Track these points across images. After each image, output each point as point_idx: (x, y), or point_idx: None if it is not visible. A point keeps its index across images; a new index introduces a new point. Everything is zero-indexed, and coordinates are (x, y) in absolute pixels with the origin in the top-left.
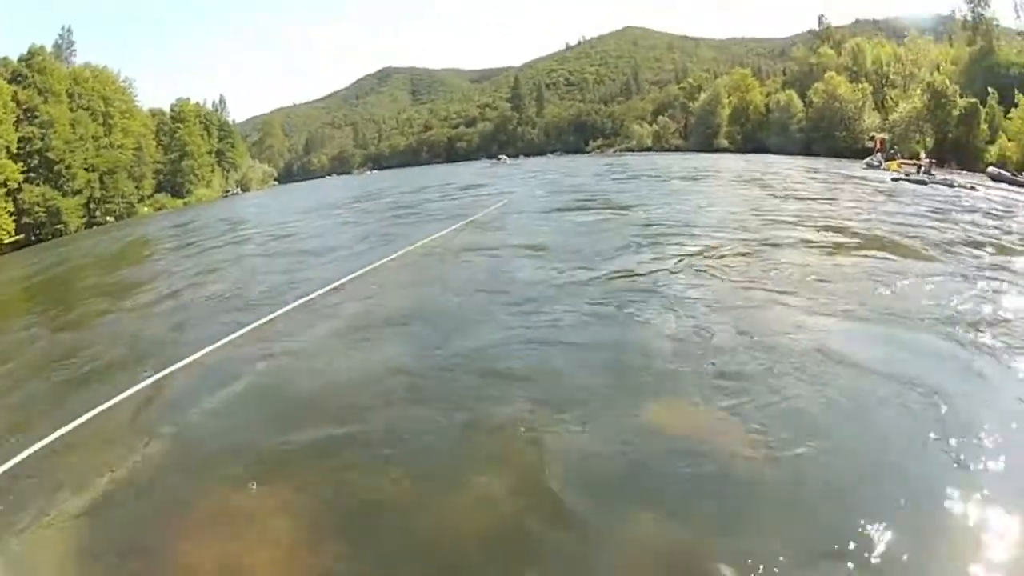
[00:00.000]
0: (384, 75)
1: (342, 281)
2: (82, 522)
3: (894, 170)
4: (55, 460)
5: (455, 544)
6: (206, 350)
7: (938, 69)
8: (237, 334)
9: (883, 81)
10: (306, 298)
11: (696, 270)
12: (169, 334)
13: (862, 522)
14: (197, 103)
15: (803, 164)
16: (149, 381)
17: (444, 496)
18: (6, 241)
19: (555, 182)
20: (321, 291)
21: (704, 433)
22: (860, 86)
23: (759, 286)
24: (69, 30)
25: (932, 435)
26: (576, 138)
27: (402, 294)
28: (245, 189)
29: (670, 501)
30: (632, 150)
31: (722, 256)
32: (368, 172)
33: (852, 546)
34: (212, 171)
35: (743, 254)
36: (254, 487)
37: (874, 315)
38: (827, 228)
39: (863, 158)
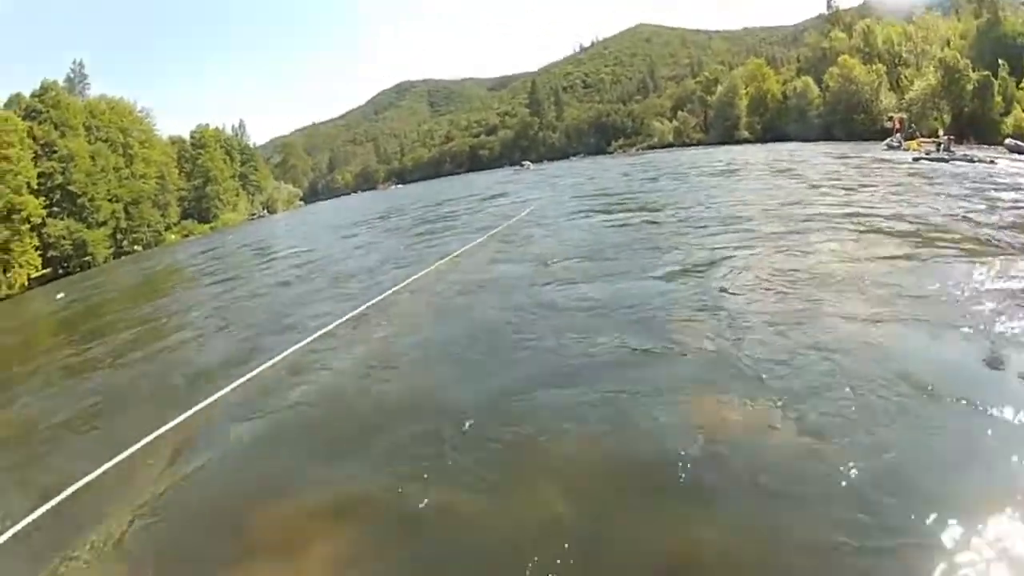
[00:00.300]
0: (401, 89)
1: (364, 308)
2: (134, 548)
3: (914, 149)
4: (104, 490)
5: (507, 555)
6: (243, 379)
7: (948, 44)
8: (268, 364)
9: (896, 61)
10: (331, 327)
11: (739, 274)
12: (205, 363)
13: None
14: (217, 128)
15: (826, 150)
16: (190, 412)
17: (495, 506)
18: (33, 275)
19: (580, 185)
20: (346, 318)
21: (760, 433)
22: (874, 67)
23: (806, 286)
24: (81, 64)
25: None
26: (597, 139)
27: (427, 319)
28: (272, 211)
29: (726, 502)
30: (654, 147)
31: (762, 254)
32: (393, 187)
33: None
34: (237, 195)
35: (785, 250)
36: (304, 508)
37: (927, 311)
38: (864, 218)
39: (882, 139)
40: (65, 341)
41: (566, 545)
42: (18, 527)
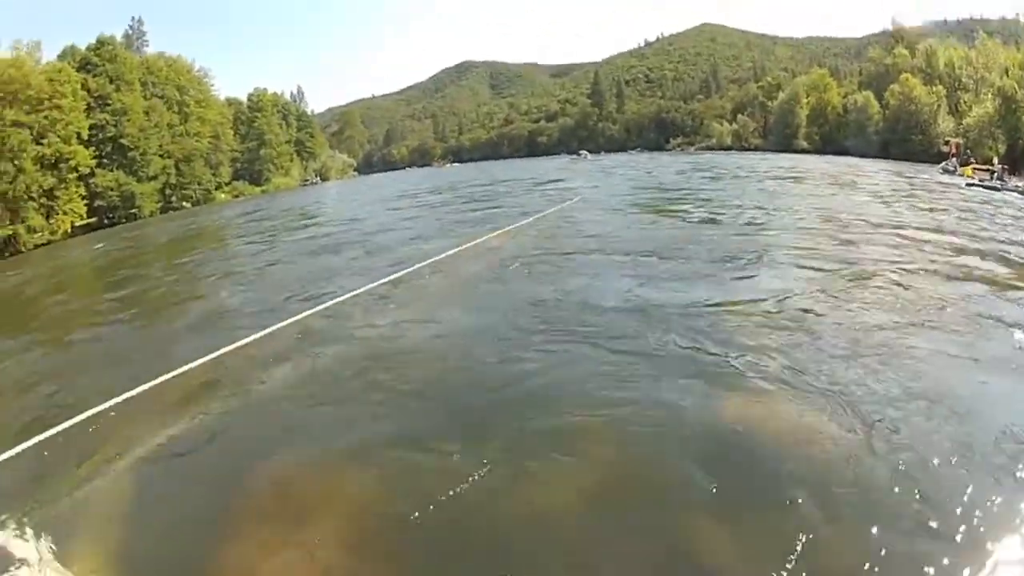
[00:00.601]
0: (463, 68)
1: (396, 275)
2: (135, 481)
3: (968, 176)
4: (121, 420)
5: (520, 544)
6: (263, 332)
7: (1007, 73)
8: (298, 317)
9: (956, 85)
10: (361, 290)
11: (795, 282)
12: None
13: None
14: (275, 93)
15: (884, 167)
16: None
17: (514, 490)
18: (78, 224)
19: (639, 178)
20: (384, 280)
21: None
22: (934, 89)
23: (862, 303)
24: (140, 21)
25: None
26: (656, 135)
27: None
28: (324, 178)
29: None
30: (712, 148)
31: (822, 267)
32: (448, 165)
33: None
34: (291, 160)
35: (846, 265)
36: (315, 466)
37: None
38: (927, 241)
39: (938, 162)
40: (90, 288)
41: (571, 535)
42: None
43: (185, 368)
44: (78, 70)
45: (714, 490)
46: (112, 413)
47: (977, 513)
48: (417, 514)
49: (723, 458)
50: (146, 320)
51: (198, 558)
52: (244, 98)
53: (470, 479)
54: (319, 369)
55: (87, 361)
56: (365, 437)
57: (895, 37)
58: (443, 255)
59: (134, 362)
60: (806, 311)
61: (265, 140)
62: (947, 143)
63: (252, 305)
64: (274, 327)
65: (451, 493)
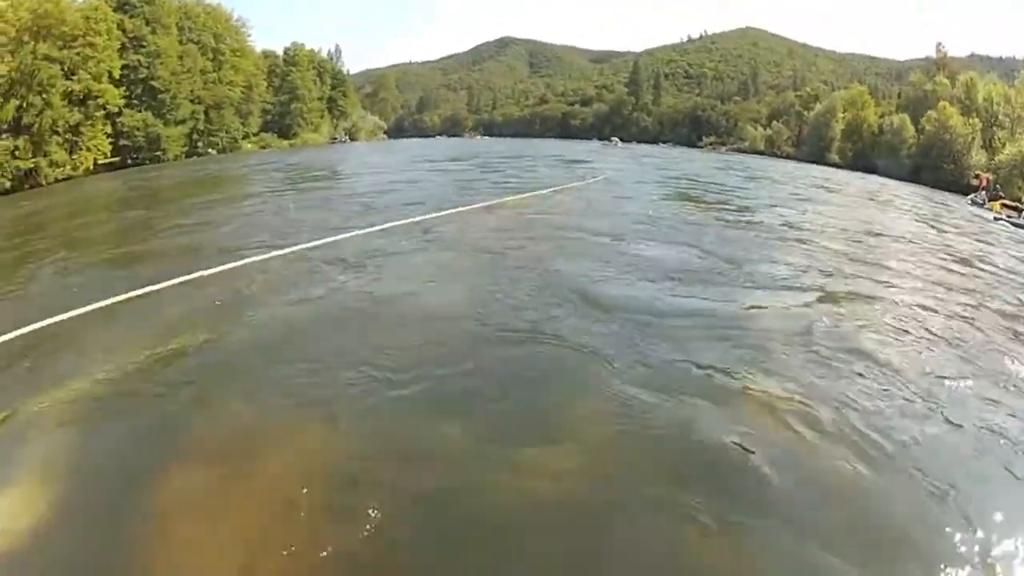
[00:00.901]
0: (503, 44)
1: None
2: (105, 393)
3: (996, 211)
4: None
5: (508, 528)
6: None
7: None
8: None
9: (992, 120)
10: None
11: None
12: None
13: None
14: (311, 49)
15: (916, 191)
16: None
17: (510, 468)
18: (101, 162)
19: (665, 169)
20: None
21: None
22: (971, 121)
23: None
24: None
25: None
26: (689, 131)
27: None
28: (353, 138)
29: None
30: (744, 151)
31: (855, 281)
32: (479, 137)
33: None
34: (321, 117)
35: (876, 281)
36: (286, 411)
37: None
38: (957, 262)
39: (966, 194)
40: (86, 221)
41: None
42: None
43: (158, 287)
44: (115, 10)
45: (718, 494)
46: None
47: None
48: (383, 481)
49: (728, 463)
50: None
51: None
52: (280, 52)
53: (452, 457)
54: (298, 316)
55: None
56: (336, 393)
57: (937, 65)
58: (443, 213)
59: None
60: (833, 319)
61: (297, 95)
62: (977, 176)
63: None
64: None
65: (431, 470)
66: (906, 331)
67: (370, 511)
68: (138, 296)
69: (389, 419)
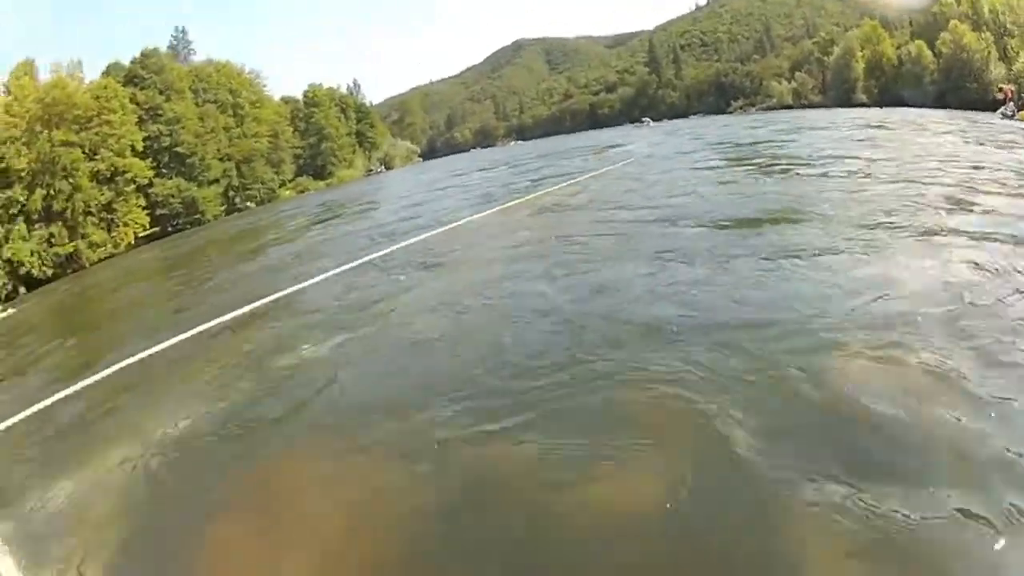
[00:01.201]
0: (518, 47)
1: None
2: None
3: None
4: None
5: (581, 542)
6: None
7: None
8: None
9: (1002, 31)
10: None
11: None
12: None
13: None
14: (330, 88)
15: (948, 116)
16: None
17: (577, 476)
18: (141, 234)
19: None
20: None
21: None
22: (983, 35)
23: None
24: (183, 31)
25: None
26: (717, 99)
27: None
28: (389, 167)
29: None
30: (773, 108)
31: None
32: (512, 143)
33: None
34: (353, 152)
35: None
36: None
37: None
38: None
39: (994, 109)
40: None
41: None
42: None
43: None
44: (124, 85)
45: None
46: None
47: None
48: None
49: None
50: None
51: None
52: (300, 96)
53: (520, 466)
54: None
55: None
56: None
57: None
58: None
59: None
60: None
61: (325, 134)
62: (1000, 90)
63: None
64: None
65: (493, 480)
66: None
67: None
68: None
69: (455, 450)
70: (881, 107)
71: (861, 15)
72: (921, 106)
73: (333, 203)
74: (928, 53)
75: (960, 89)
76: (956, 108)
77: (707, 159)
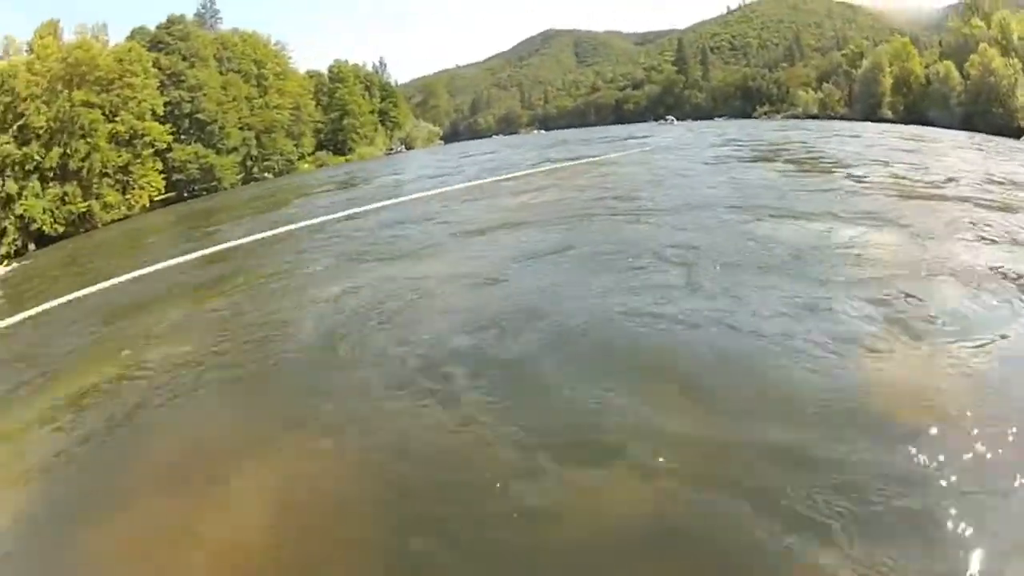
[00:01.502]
0: (547, 37)
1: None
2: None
3: None
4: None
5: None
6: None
7: None
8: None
9: None
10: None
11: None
12: None
13: None
14: (356, 64)
15: (973, 139)
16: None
17: (588, 470)
18: (156, 198)
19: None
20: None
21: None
22: (1010, 61)
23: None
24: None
25: None
26: (743, 103)
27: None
28: (409, 147)
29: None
30: (797, 116)
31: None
32: (535, 132)
33: None
34: (375, 130)
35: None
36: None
37: None
38: None
39: (1018, 136)
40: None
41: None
42: None
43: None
44: (149, 49)
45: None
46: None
47: None
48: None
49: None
50: None
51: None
52: (325, 71)
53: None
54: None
55: None
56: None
57: (971, 8)
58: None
59: None
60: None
61: (348, 111)
62: None
63: None
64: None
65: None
66: None
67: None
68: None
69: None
70: (906, 124)
71: (891, 31)
72: (946, 127)
73: (356, 171)
74: (956, 75)
75: (987, 113)
76: (982, 131)
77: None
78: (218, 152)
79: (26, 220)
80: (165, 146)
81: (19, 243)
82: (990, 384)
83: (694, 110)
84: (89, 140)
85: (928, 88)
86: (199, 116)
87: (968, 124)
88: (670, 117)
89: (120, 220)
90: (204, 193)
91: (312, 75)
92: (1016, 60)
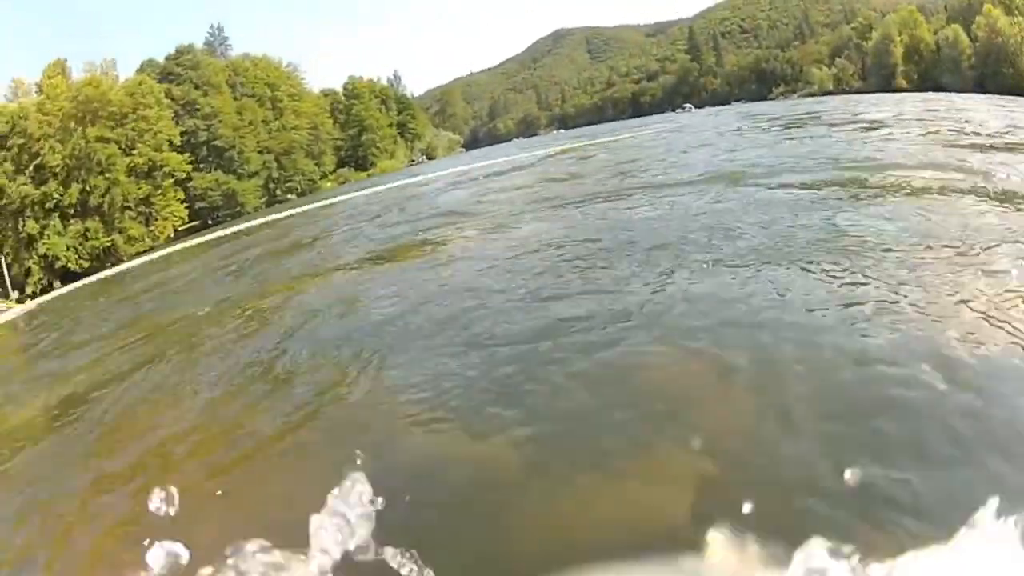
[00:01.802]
0: (558, 36)
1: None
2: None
3: None
4: None
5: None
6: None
7: None
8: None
9: None
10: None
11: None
12: None
13: None
14: (370, 80)
15: (990, 102)
16: None
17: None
18: (180, 228)
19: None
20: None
21: None
22: (1015, 19)
23: None
24: (220, 28)
25: None
26: (758, 86)
27: None
28: (431, 157)
29: None
30: (814, 94)
31: None
32: (554, 132)
33: None
34: (395, 143)
35: None
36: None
37: None
38: None
39: None
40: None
41: None
42: None
43: None
44: (160, 81)
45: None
46: None
47: None
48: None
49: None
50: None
51: None
52: (339, 88)
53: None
54: None
55: None
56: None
57: None
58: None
59: None
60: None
61: (365, 126)
62: None
63: None
64: None
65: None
66: None
67: None
68: None
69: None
70: (920, 92)
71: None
72: (960, 91)
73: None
74: (965, 38)
75: (997, 75)
76: (995, 93)
77: None
78: (239, 177)
79: (49, 258)
80: (185, 175)
81: (45, 281)
82: None
83: (711, 96)
84: (108, 175)
85: (939, 54)
86: (216, 143)
87: (981, 87)
88: (688, 105)
89: (145, 252)
90: (228, 219)
91: (327, 93)
92: (1020, 18)
